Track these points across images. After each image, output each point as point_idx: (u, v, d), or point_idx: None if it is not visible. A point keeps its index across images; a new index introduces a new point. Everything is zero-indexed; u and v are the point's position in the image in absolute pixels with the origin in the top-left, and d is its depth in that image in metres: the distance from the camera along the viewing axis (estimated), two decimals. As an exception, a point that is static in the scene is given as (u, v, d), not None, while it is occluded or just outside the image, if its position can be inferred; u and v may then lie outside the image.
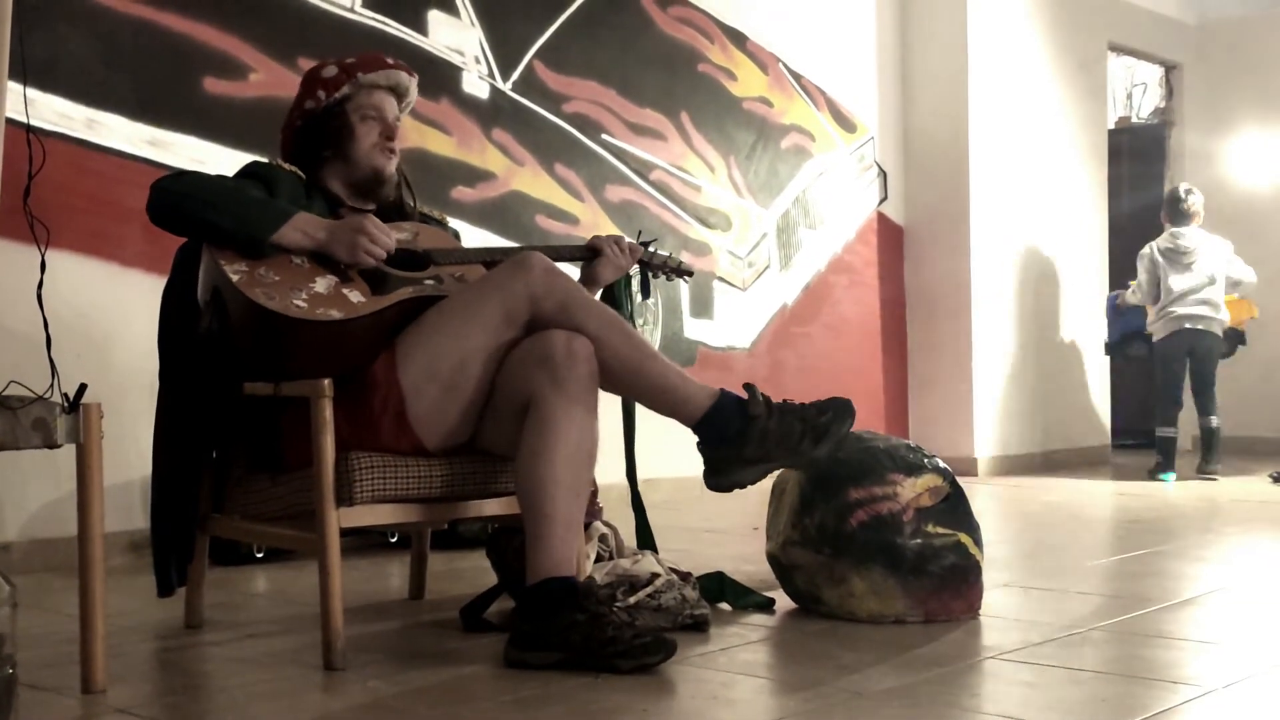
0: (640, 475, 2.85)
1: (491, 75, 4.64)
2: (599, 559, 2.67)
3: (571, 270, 2.57)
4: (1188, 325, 6.09)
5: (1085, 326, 6.96)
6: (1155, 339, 6.22)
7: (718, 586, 2.77)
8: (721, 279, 5.50)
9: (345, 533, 2.29)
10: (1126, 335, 6.55)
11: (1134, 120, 8.62)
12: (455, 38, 4.52)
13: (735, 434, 2.32)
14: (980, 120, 6.28)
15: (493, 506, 2.48)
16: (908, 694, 2.01)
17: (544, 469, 2.24)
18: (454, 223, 2.88)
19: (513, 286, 2.35)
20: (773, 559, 2.78)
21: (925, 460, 2.67)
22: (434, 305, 2.39)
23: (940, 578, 2.55)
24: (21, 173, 2.12)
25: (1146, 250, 6.21)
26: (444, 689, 2.09)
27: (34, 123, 3.20)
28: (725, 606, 2.74)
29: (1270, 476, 5.85)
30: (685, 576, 2.65)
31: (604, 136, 5.01)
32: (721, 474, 2.36)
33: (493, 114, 4.63)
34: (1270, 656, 2.29)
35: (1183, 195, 6.25)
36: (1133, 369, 6.98)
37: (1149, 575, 3.22)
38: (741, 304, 5.59)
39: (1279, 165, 7.74)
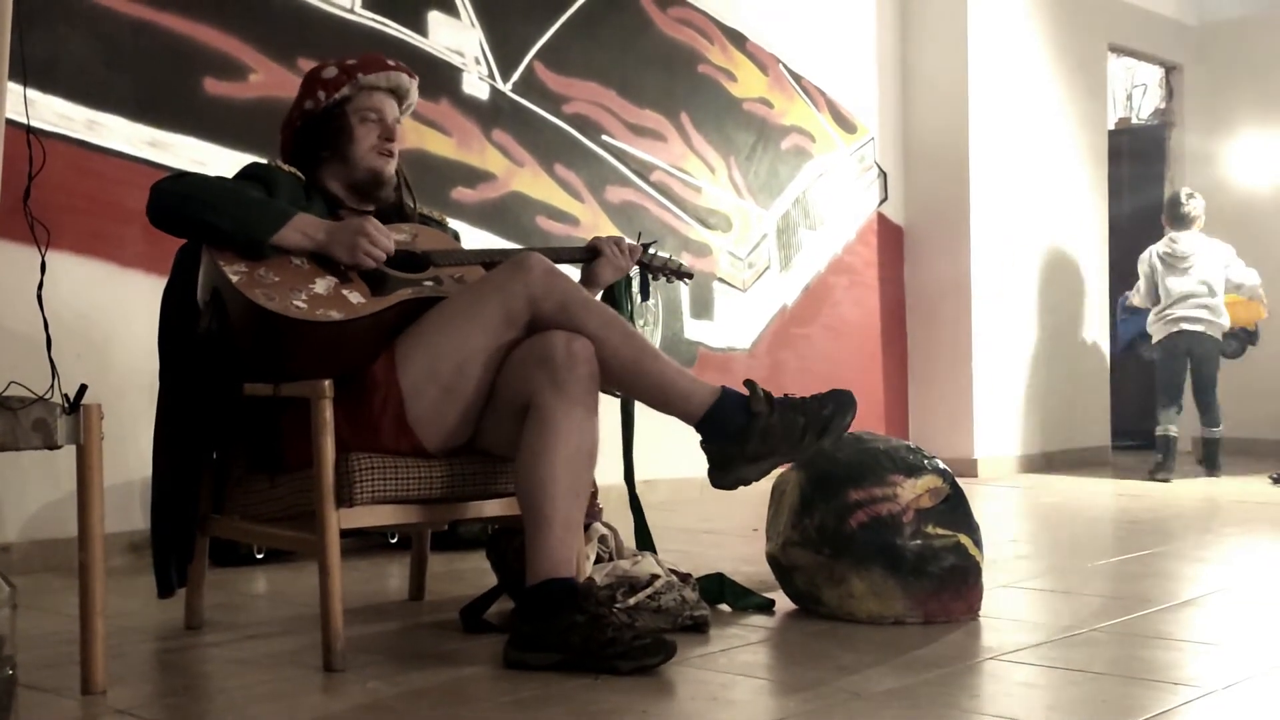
0: (639, 476, 2.85)
1: (491, 76, 4.64)
2: (599, 560, 2.67)
3: (571, 271, 2.57)
4: (1185, 327, 6.12)
5: (1085, 327, 6.96)
6: (1154, 340, 6.26)
7: (717, 587, 2.77)
8: (721, 280, 5.50)
9: (345, 533, 2.29)
10: (1138, 337, 6.55)
11: (1134, 121, 8.61)
12: (455, 38, 4.52)
13: (738, 431, 2.32)
14: (980, 121, 6.28)
15: (493, 507, 2.49)
16: (907, 695, 2.01)
17: (544, 470, 2.24)
18: (454, 224, 2.88)
19: (512, 287, 2.35)
20: (772, 560, 2.78)
21: (925, 461, 2.67)
22: (433, 306, 2.40)
23: (940, 579, 2.55)
24: (21, 173, 2.12)
25: (1145, 254, 6.29)
26: (444, 690, 2.10)
27: (34, 124, 3.20)
28: (725, 607, 2.74)
29: (1270, 477, 5.85)
30: (685, 578, 2.65)
31: (604, 137, 5.01)
32: (726, 471, 2.36)
33: (493, 115, 4.63)
34: (1270, 657, 2.29)
35: (1183, 200, 6.27)
36: (1133, 369, 6.98)
37: (1149, 576, 3.22)
38: (741, 305, 5.58)
39: (1279, 166, 7.73)
